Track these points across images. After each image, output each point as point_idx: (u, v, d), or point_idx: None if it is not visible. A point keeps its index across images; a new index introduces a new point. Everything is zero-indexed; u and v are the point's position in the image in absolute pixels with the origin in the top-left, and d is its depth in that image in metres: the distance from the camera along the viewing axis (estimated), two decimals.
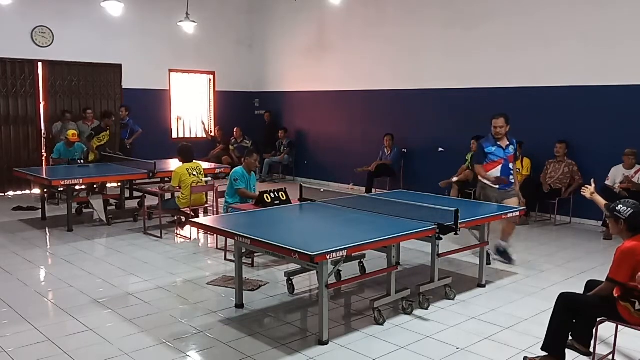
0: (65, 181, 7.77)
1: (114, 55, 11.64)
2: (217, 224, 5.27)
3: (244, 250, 5.06)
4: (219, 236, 6.66)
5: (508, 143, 6.40)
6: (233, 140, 13.06)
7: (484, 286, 5.67)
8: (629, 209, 3.76)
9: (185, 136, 13.20)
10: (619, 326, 3.85)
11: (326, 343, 4.26)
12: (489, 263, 6.24)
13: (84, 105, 11.30)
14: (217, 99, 13.59)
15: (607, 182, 7.92)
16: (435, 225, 4.74)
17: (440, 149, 10.42)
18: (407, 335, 4.47)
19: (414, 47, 10.65)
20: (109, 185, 10.03)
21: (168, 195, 7.87)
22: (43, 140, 11.15)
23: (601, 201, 4.40)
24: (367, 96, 11.66)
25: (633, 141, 7.97)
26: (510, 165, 6.42)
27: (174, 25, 11.26)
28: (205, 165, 8.72)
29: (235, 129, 13.08)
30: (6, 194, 10.75)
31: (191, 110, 13.41)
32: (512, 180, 6.41)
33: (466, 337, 4.45)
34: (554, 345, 3.84)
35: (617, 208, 3.82)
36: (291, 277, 5.41)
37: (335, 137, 12.38)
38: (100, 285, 5.57)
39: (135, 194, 9.27)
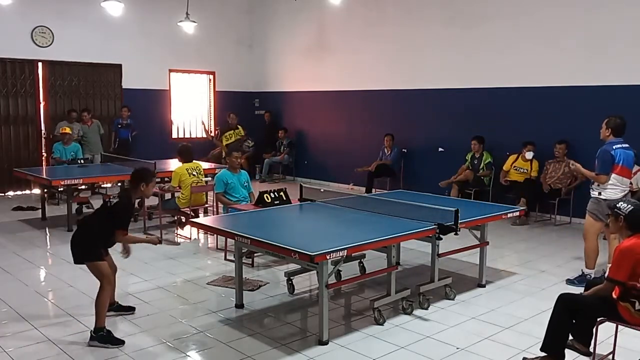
0: (65, 181, 7.77)
1: (114, 55, 11.64)
2: (217, 224, 5.27)
3: (244, 250, 5.06)
4: (219, 236, 6.66)
5: None
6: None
7: (484, 286, 5.67)
8: (630, 206, 3.80)
9: (185, 136, 13.19)
10: (619, 326, 3.85)
11: (326, 343, 4.26)
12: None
13: (84, 105, 11.29)
14: (217, 99, 13.59)
15: None
16: (435, 225, 4.74)
17: (440, 149, 10.42)
18: (407, 335, 4.47)
19: (414, 47, 10.65)
20: (108, 185, 10.05)
21: (168, 195, 7.87)
22: (43, 140, 11.15)
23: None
24: (367, 96, 11.66)
25: (633, 141, 7.94)
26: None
27: (174, 25, 11.26)
28: (205, 165, 8.72)
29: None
30: (6, 194, 10.75)
31: (191, 110, 13.40)
32: (591, 193, 5.68)
33: (466, 337, 4.45)
34: (553, 345, 3.84)
35: (617, 205, 3.88)
36: (291, 277, 5.41)
37: (335, 137, 12.38)
38: None
39: None
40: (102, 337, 4.21)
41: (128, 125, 11.30)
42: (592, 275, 5.61)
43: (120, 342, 4.23)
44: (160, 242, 4.57)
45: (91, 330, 4.26)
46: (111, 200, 4.44)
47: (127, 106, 11.42)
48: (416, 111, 10.83)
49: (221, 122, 13.39)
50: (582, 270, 5.83)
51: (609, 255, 5.79)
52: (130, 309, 4.88)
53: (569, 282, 5.79)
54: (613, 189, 5.49)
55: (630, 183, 7.73)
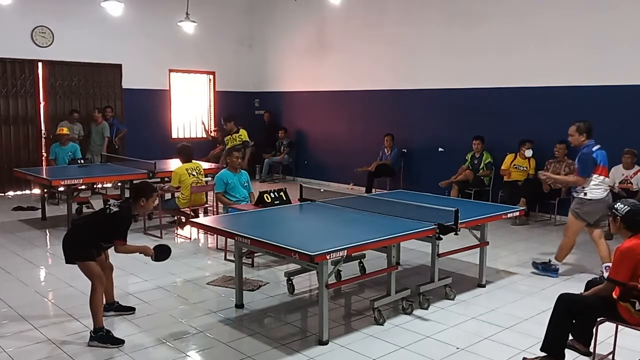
0: (65, 181, 7.77)
1: (114, 55, 11.63)
2: (217, 224, 5.27)
3: (244, 250, 5.06)
4: (219, 236, 6.66)
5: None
6: None
7: (484, 286, 5.67)
8: (627, 206, 3.80)
9: (185, 136, 13.19)
10: (619, 326, 3.85)
11: (326, 343, 4.26)
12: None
13: (84, 105, 11.32)
14: (217, 99, 13.59)
15: None
16: (435, 225, 4.74)
17: (440, 149, 10.42)
18: (407, 335, 4.47)
19: (414, 47, 10.65)
20: (108, 185, 10.04)
21: (168, 195, 7.87)
22: (43, 140, 11.15)
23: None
24: (367, 96, 11.66)
25: (633, 141, 7.97)
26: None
27: (174, 25, 11.25)
28: (205, 165, 8.72)
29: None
30: (6, 194, 10.75)
31: (191, 110, 13.39)
32: (575, 194, 5.87)
33: (466, 337, 4.45)
34: (553, 345, 3.84)
35: (615, 206, 3.88)
36: (291, 277, 5.41)
37: (335, 137, 12.38)
38: None
39: None
40: (102, 337, 4.22)
41: (111, 125, 11.27)
42: (558, 267, 5.99)
43: (120, 342, 4.23)
44: (152, 257, 4.49)
45: (90, 331, 4.27)
46: (111, 207, 4.39)
47: (110, 106, 11.44)
48: (416, 111, 10.83)
49: (221, 123, 13.40)
50: (549, 259, 6.07)
51: (600, 257, 5.88)
52: (130, 309, 4.88)
53: (534, 265, 6.11)
54: (598, 188, 5.70)
55: (630, 183, 7.80)
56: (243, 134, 10.24)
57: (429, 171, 10.33)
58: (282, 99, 13.60)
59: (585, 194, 5.71)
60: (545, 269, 6.04)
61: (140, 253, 4.52)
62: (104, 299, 4.58)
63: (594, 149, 5.69)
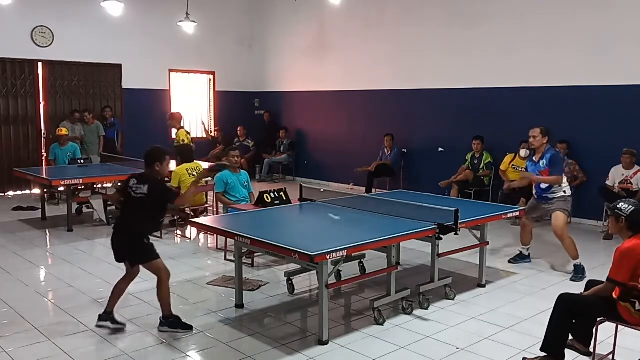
0: (65, 181, 7.77)
1: (114, 55, 11.63)
2: (217, 224, 5.27)
3: (244, 250, 5.06)
4: (219, 236, 6.66)
5: (540, 157, 6.11)
6: (236, 140, 13.05)
7: (484, 286, 5.67)
8: (631, 206, 3.77)
9: None
10: (619, 326, 3.85)
11: (326, 343, 4.26)
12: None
13: (84, 105, 11.31)
14: (217, 99, 13.59)
15: (607, 183, 7.93)
16: (435, 225, 4.74)
17: (440, 149, 10.42)
18: (407, 335, 4.47)
19: (414, 47, 10.65)
20: (107, 185, 10.02)
21: None
22: (43, 140, 11.15)
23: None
24: (367, 96, 11.66)
25: (633, 141, 7.97)
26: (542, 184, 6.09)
27: (174, 25, 11.25)
28: (205, 165, 8.71)
29: (238, 128, 13.09)
30: (6, 194, 10.75)
31: (191, 110, 13.39)
32: (551, 195, 6.09)
33: (466, 337, 4.45)
34: (553, 345, 3.84)
35: (618, 206, 3.84)
36: (291, 277, 5.42)
37: (335, 137, 12.37)
38: (100, 285, 5.57)
39: None
40: (172, 322, 4.40)
41: (113, 125, 11.27)
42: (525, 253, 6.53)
43: (189, 327, 4.43)
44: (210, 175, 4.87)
45: (160, 317, 4.44)
46: (135, 192, 4.37)
47: (109, 106, 11.46)
48: (416, 111, 10.83)
49: (221, 123, 13.43)
50: (520, 250, 6.56)
51: (523, 242, 6.52)
52: (121, 326, 4.53)
53: (514, 261, 6.52)
54: (567, 185, 6.17)
55: (630, 183, 7.79)
56: (179, 135, 9.25)
57: (429, 171, 10.33)
58: (282, 99, 13.60)
59: (564, 191, 6.10)
60: (521, 257, 6.53)
61: (199, 187, 4.78)
62: (107, 306, 4.52)
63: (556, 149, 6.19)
